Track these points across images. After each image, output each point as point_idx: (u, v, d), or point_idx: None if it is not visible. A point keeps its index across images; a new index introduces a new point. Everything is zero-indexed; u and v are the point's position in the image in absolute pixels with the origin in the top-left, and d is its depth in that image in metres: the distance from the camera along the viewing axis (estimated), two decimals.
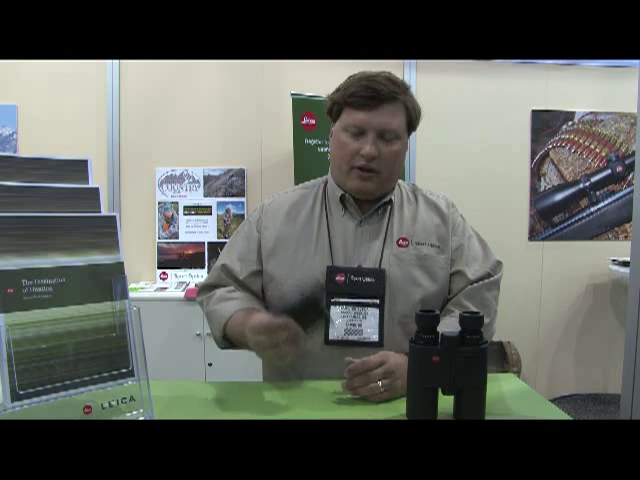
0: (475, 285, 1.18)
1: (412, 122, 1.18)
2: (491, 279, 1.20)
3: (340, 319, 1.12)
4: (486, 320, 1.14)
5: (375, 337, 1.11)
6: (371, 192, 1.17)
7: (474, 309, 1.14)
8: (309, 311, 0.97)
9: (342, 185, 1.19)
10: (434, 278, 1.17)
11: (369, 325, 1.11)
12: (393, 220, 1.20)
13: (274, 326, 0.95)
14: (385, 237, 1.18)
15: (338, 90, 1.17)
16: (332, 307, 1.12)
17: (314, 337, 1.11)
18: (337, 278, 1.13)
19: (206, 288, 1.26)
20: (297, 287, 1.14)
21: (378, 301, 1.12)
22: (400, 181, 1.27)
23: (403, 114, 1.15)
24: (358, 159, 1.12)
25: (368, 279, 1.13)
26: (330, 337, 1.11)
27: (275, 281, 1.18)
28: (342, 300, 1.12)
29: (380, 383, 0.99)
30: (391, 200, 1.21)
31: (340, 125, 1.15)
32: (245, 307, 1.12)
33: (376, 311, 1.12)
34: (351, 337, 1.11)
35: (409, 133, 1.20)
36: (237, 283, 1.21)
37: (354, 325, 1.12)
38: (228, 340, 1.16)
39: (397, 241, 1.17)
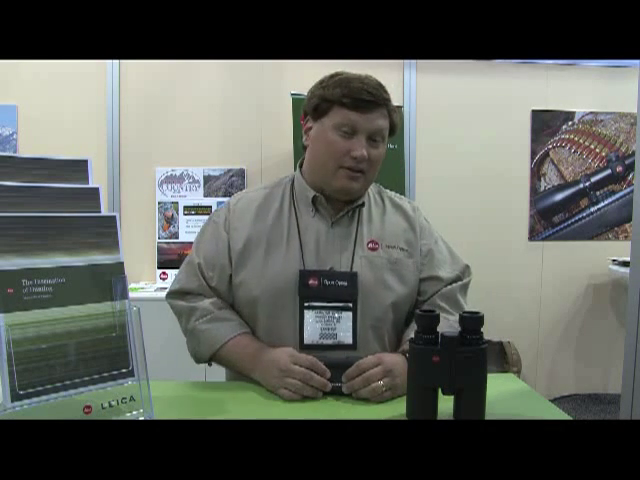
0: (448, 287, 1.20)
1: (392, 128, 1.18)
2: (463, 282, 1.23)
3: (314, 323, 1.11)
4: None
5: (349, 340, 1.11)
6: (355, 192, 1.17)
7: (451, 310, 1.16)
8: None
9: (323, 184, 1.17)
10: (404, 282, 1.17)
11: (344, 329, 1.11)
12: (363, 223, 1.20)
13: (317, 366, 1.01)
14: (356, 240, 1.17)
15: (325, 87, 1.14)
16: (306, 311, 1.11)
17: (289, 341, 1.11)
18: (310, 282, 1.11)
19: (182, 293, 1.20)
20: (268, 290, 1.13)
21: (351, 305, 1.12)
22: None
23: (388, 119, 1.16)
24: (347, 160, 1.12)
25: (341, 282, 1.12)
26: (305, 342, 1.10)
27: (245, 284, 1.15)
28: (316, 304, 1.11)
29: (381, 382, 1.00)
30: (364, 203, 1.20)
31: (329, 123, 1.13)
32: (243, 331, 1.14)
33: (349, 315, 1.11)
34: (326, 341, 1.10)
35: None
36: (209, 287, 1.19)
37: (328, 329, 1.11)
38: (212, 359, 1.17)
39: (367, 244, 1.17)
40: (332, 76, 1.16)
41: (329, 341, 1.10)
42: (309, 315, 1.11)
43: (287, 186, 1.24)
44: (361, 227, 1.19)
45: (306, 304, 1.11)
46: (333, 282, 1.12)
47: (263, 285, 1.13)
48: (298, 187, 1.22)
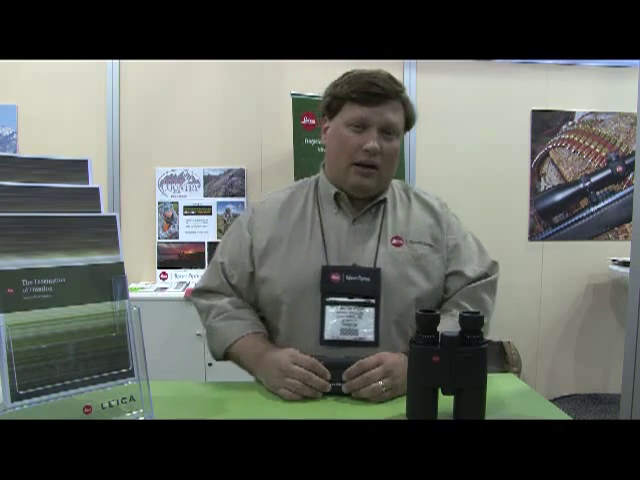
0: (472, 285, 1.18)
1: (409, 122, 1.19)
2: (488, 279, 1.20)
3: (335, 319, 1.11)
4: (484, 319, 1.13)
5: (371, 337, 1.10)
6: (370, 189, 1.16)
7: (471, 309, 1.13)
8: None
9: (340, 182, 1.18)
10: (429, 277, 1.16)
11: (365, 325, 1.10)
12: (387, 219, 1.19)
13: (317, 368, 1.02)
14: (379, 236, 1.17)
15: (336, 86, 1.16)
16: (327, 307, 1.11)
17: (310, 337, 1.11)
18: (332, 277, 1.11)
19: (204, 292, 1.24)
20: (290, 287, 1.14)
21: (374, 301, 1.11)
22: (393, 180, 1.26)
23: (402, 112, 1.16)
24: (360, 154, 1.12)
25: (363, 278, 1.12)
26: (325, 337, 1.10)
27: (268, 282, 1.17)
28: (337, 300, 1.11)
29: (381, 382, 1.00)
30: (385, 199, 1.20)
31: (341, 120, 1.15)
32: (253, 331, 1.15)
33: (372, 311, 1.11)
34: (347, 337, 1.10)
35: (404, 132, 1.21)
36: (229, 285, 1.21)
37: (350, 325, 1.10)
38: (226, 356, 1.18)
39: (391, 240, 1.17)
40: (344, 74, 1.18)
41: (350, 337, 1.10)
42: (330, 311, 1.11)
43: (311, 185, 1.25)
44: (385, 223, 1.19)
45: (328, 299, 1.11)
46: (355, 278, 1.11)
47: (285, 281, 1.14)
48: (322, 185, 1.23)
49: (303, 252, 1.15)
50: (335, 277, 1.11)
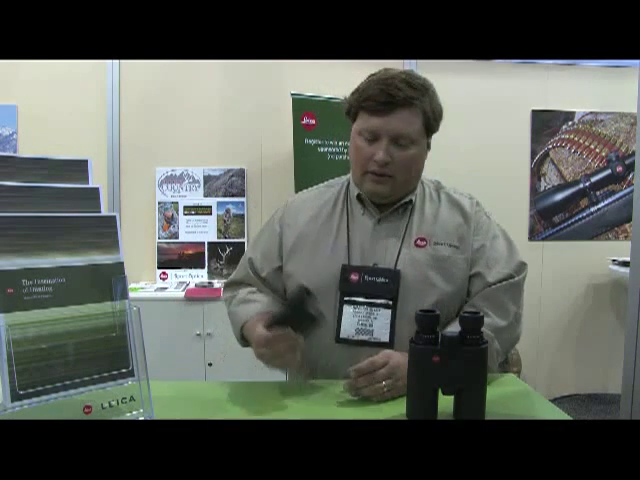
0: (492, 287, 1.14)
1: (430, 125, 1.15)
2: (511, 281, 1.15)
3: (352, 318, 1.12)
4: (502, 323, 1.11)
5: (385, 338, 1.11)
6: (385, 195, 1.16)
7: (489, 311, 1.11)
8: (298, 316, 1.03)
9: (358, 186, 1.19)
10: (450, 279, 1.14)
11: (380, 326, 1.11)
12: (413, 219, 1.18)
13: (272, 339, 1.02)
14: (403, 237, 1.16)
15: (357, 91, 1.14)
16: (345, 306, 1.12)
17: (325, 335, 1.12)
18: (351, 277, 1.12)
19: (232, 285, 1.28)
20: (312, 284, 1.14)
21: (391, 302, 1.11)
22: (425, 178, 1.24)
23: (419, 118, 1.12)
24: (372, 164, 1.12)
25: (382, 279, 1.12)
26: (341, 336, 1.11)
27: (292, 278, 1.18)
28: (355, 299, 1.12)
29: (384, 383, 1.00)
30: (411, 200, 1.19)
31: (356, 129, 1.15)
32: (263, 312, 1.15)
33: (388, 312, 1.11)
34: (362, 337, 1.11)
35: (428, 136, 1.18)
36: (260, 279, 1.23)
37: (365, 325, 1.11)
38: (247, 340, 1.19)
39: (415, 241, 1.16)
40: (369, 76, 1.15)
41: (364, 337, 1.11)
42: (347, 310, 1.12)
43: (344, 185, 1.26)
44: (411, 224, 1.18)
45: (346, 299, 1.12)
46: (374, 279, 1.12)
47: (308, 278, 1.15)
48: (351, 186, 1.24)
49: (327, 250, 1.17)
50: (354, 277, 1.13)
